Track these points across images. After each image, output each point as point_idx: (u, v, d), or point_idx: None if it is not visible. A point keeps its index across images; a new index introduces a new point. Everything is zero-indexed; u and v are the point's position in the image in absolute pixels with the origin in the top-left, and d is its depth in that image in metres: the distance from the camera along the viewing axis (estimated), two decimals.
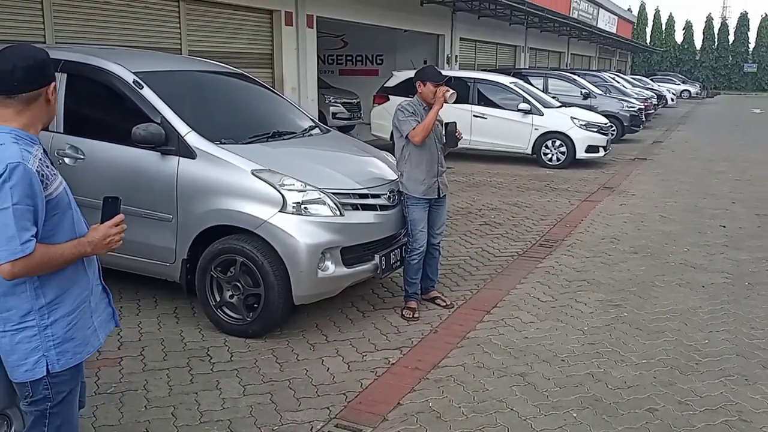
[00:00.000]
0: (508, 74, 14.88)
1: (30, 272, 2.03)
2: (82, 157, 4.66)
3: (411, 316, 4.81)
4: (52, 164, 2.16)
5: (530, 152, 12.56)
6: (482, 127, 12.49)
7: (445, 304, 5.06)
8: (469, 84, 12.90)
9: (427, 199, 4.79)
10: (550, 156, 12.49)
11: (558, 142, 12.43)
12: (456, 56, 19.94)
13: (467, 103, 12.57)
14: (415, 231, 4.79)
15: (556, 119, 12.50)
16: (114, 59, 4.88)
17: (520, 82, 13.57)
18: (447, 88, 4.74)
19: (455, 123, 4.99)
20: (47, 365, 2.13)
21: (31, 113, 2.11)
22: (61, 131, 4.72)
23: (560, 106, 13.22)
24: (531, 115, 12.36)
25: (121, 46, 8.12)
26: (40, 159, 2.08)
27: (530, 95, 12.77)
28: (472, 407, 3.60)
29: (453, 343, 4.42)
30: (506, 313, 4.97)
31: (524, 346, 4.39)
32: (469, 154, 13.41)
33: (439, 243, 5.05)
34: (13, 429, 2.33)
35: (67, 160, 4.65)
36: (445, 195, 4.94)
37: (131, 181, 4.50)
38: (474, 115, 12.50)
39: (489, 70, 17.50)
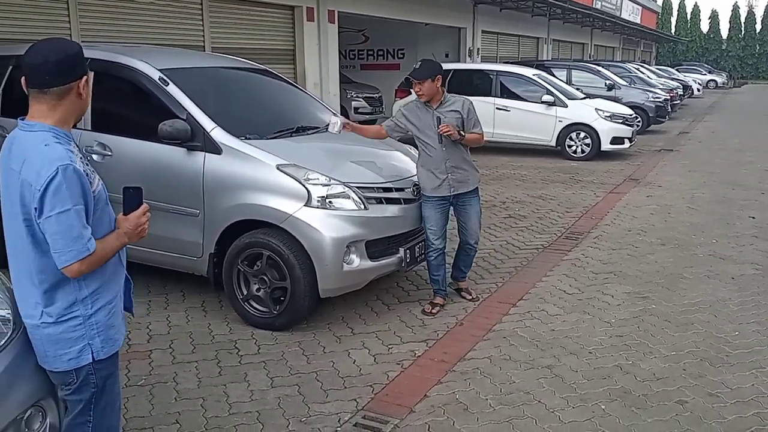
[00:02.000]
0: (531, 66, 14.76)
1: (92, 268, 2.09)
2: (109, 153, 4.72)
3: (429, 311, 4.79)
4: (87, 161, 2.19)
5: (554, 144, 12.46)
6: (505, 119, 12.41)
7: (470, 297, 5.04)
8: (491, 77, 12.85)
9: (439, 197, 4.70)
10: (574, 148, 12.38)
11: (582, 134, 12.31)
12: (478, 49, 19.83)
13: (490, 95, 12.53)
14: (426, 229, 4.75)
15: (580, 111, 12.38)
16: (140, 57, 4.94)
17: (543, 74, 13.45)
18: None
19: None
20: (92, 353, 2.19)
21: (64, 108, 2.11)
22: (89, 128, 4.78)
23: (584, 98, 13.08)
24: (555, 107, 12.25)
25: (146, 43, 8.20)
26: (81, 157, 2.11)
27: (554, 87, 12.65)
28: (500, 399, 3.59)
29: (479, 335, 4.42)
30: (532, 306, 4.94)
31: (551, 339, 4.37)
32: (493, 146, 13.34)
33: (474, 243, 4.96)
34: (47, 420, 2.35)
35: (95, 156, 4.71)
36: (468, 194, 4.79)
37: (158, 176, 4.55)
38: (497, 108, 12.43)
39: (511, 63, 17.38)
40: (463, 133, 4.63)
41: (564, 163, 11.96)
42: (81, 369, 2.20)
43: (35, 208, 2.01)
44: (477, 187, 4.89)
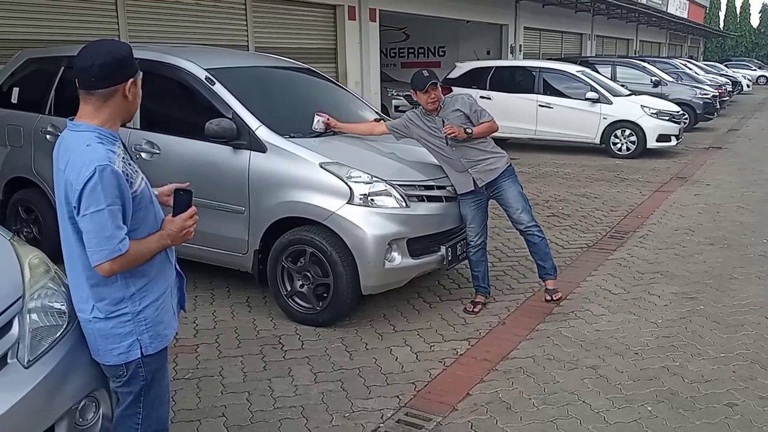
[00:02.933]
0: (575, 63, 14.58)
1: (125, 268, 2.12)
2: (157, 151, 4.83)
3: (471, 310, 4.76)
4: (132, 160, 2.24)
5: (598, 142, 12.27)
6: (548, 116, 12.28)
7: (549, 298, 4.87)
8: (534, 73, 12.72)
9: (470, 192, 4.67)
10: (619, 146, 12.18)
11: (628, 132, 12.10)
12: (520, 46, 19.64)
13: (532, 92, 12.41)
14: (466, 226, 4.74)
15: (625, 108, 12.16)
16: (187, 56, 5.04)
17: (587, 70, 13.28)
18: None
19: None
20: (141, 348, 2.23)
21: (110, 109, 2.14)
22: (138, 127, 4.90)
23: (630, 95, 12.86)
24: (599, 104, 12.06)
25: (192, 43, 8.36)
26: (123, 158, 2.13)
27: (598, 84, 12.47)
28: (543, 399, 3.56)
29: (522, 335, 4.39)
30: (576, 306, 4.89)
31: (596, 339, 4.32)
32: (535, 144, 13.23)
33: (528, 229, 4.77)
34: (101, 411, 2.43)
35: (143, 155, 4.82)
36: (499, 179, 4.67)
37: (205, 174, 4.64)
38: (539, 105, 12.30)
39: (554, 59, 17.17)
40: (469, 130, 4.56)
41: (608, 161, 11.77)
42: (130, 363, 2.24)
43: (75, 207, 2.06)
44: (508, 170, 4.74)
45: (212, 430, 3.26)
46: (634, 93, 13.11)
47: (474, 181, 4.64)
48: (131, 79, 2.16)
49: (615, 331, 4.43)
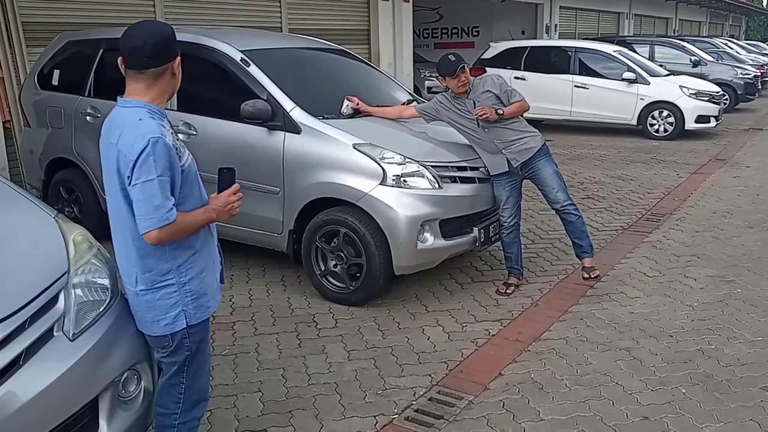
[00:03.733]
0: (612, 42, 14.30)
1: (172, 238, 2.18)
2: (194, 133, 4.90)
3: (503, 291, 4.76)
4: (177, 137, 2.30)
5: (635, 123, 12.06)
6: (584, 97, 12.10)
7: (587, 276, 4.83)
8: (570, 53, 12.53)
9: (503, 173, 4.63)
10: (656, 127, 11.96)
11: (665, 113, 11.87)
12: (555, 25, 19.32)
13: (568, 73, 12.23)
14: (499, 207, 4.73)
15: (663, 88, 11.92)
16: (222, 38, 5.09)
17: (625, 50, 13.02)
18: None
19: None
20: (186, 318, 2.31)
21: (159, 87, 2.22)
22: (175, 108, 4.97)
23: (668, 75, 12.59)
24: (636, 85, 11.85)
25: (227, 25, 8.41)
26: (172, 132, 2.22)
27: (635, 63, 12.24)
28: (576, 380, 3.57)
29: (554, 316, 4.38)
30: (610, 288, 4.86)
31: (630, 321, 4.29)
32: (570, 125, 13.06)
33: (565, 208, 4.70)
34: (142, 383, 2.50)
35: (180, 136, 4.86)
36: (533, 158, 4.61)
37: (240, 155, 4.69)
38: (575, 86, 12.13)
39: (590, 39, 16.86)
40: (500, 111, 4.51)
41: (645, 143, 11.57)
42: (176, 333, 2.33)
43: (127, 177, 2.12)
44: (542, 149, 4.68)
45: (249, 404, 3.34)
46: (672, 73, 12.83)
47: (508, 161, 4.61)
48: (178, 58, 2.25)
49: (650, 314, 4.39)
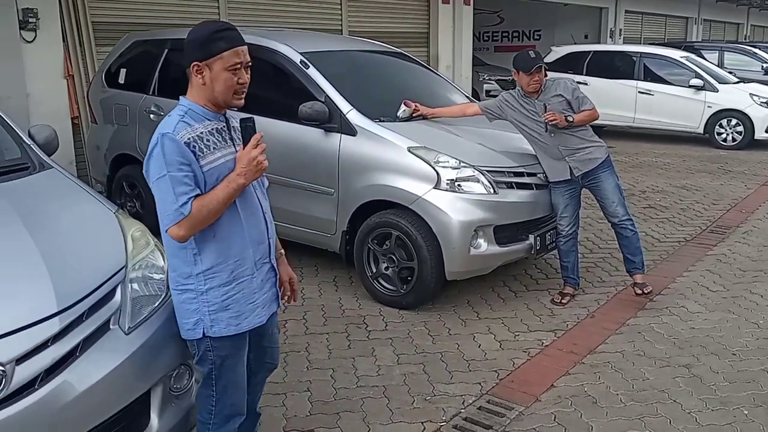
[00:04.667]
0: (679, 48, 13.87)
1: (195, 228, 2.11)
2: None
3: (559, 301, 4.65)
4: (232, 141, 2.22)
5: (702, 131, 11.66)
6: (648, 104, 11.78)
7: (640, 292, 4.70)
8: (634, 59, 12.21)
9: (563, 181, 4.52)
10: (724, 136, 11.53)
11: (734, 121, 11.42)
12: (620, 30, 18.85)
13: (632, 78, 11.92)
14: (557, 215, 4.61)
15: (732, 96, 11.49)
16: (283, 40, 5.15)
17: (692, 56, 12.59)
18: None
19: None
20: (203, 328, 2.23)
21: (195, 89, 2.18)
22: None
23: (737, 82, 12.13)
24: (704, 92, 11.45)
25: (288, 27, 8.52)
26: (201, 134, 2.13)
27: (703, 70, 11.82)
28: (631, 395, 3.45)
29: (611, 329, 4.25)
30: (671, 302, 4.69)
31: (690, 337, 4.13)
32: (633, 132, 12.73)
33: (622, 222, 4.59)
34: (193, 378, 2.54)
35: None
36: (596, 170, 4.50)
37: (297, 156, 4.74)
38: (639, 92, 11.82)
39: (657, 44, 16.39)
40: (570, 118, 4.39)
41: (712, 152, 11.17)
42: (200, 342, 2.26)
43: (146, 173, 2.15)
44: (606, 161, 4.56)
45: (297, 403, 3.35)
46: (742, 80, 12.35)
47: (570, 169, 4.50)
48: (197, 64, 2.13)
49: (711, 330, 4.22)
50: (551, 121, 4.36)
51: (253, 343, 2.45)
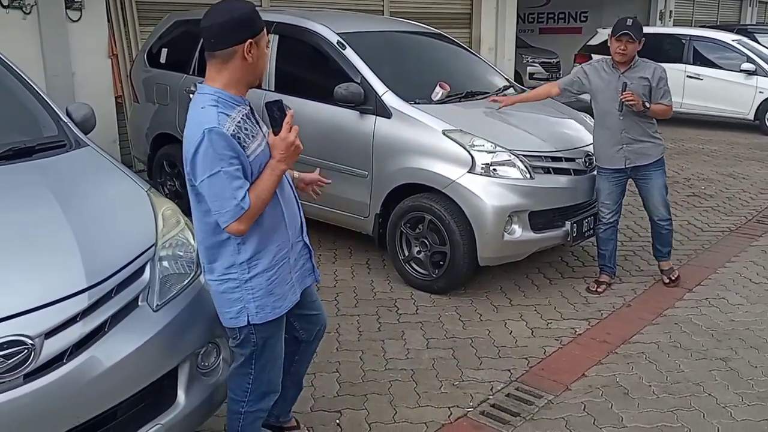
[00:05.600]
0: (731, 31, 13.40)
1: (252, 220, 2.11)
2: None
3: (594, 290, 4.56)
4: (258, 124, 2.20)
5: (752, 118, 11.27)
6: (696, 88, 11.42)
7: (668, 280, 4.64)
8: (683, 41, 11.85)
9: (613, 169, 4.41)
10: None
11: None
12: (670, 12, 18.30)
13: (681, 62, 11.57)
14: (599, 201, 4.51)
15: None
16: (320, 21, 5.14)
17: (745, 39, 12.15)
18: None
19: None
20: (248, 317, 2.24)
21: (230, 72, 2.11)
22: (272, 89, 5.07)
23: None
24: (756, 77, 11.05)
25: (329, 8, 8.48)
26: (239, 122, 2.09)
27: (756, 54, 11.39)
28: (665, 387, 3.38)
29: (647, 319, 4.17)
30: (711, 293, 4.56)
31: (729, 330, 4.02)
32: (680, 118, 12.35)
33: (660, 221, 4.52)
34: (221, 356, 2.56)
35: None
36: (648, 167, 4.41)
37: (332, 138, 4.73)
38: (688, 76, 11.47)
39: (708, 27, 15.85)
40: (648, 104, 4.27)
41: (762, 139, 10.79)
42: (242, 328, 2.28)
43: (189, 171, 2.10)
44: (660, 160, 4.46)
45: (326, 384, 3.38)
46: None
47: (624, 158, 4.39)
48: (250, 40, 2.08)
49: (752, 323, 4.10)
50: (629, 101, 4.22)
51: (296, 316, 2.50)
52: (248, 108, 2.21)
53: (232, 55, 2.10)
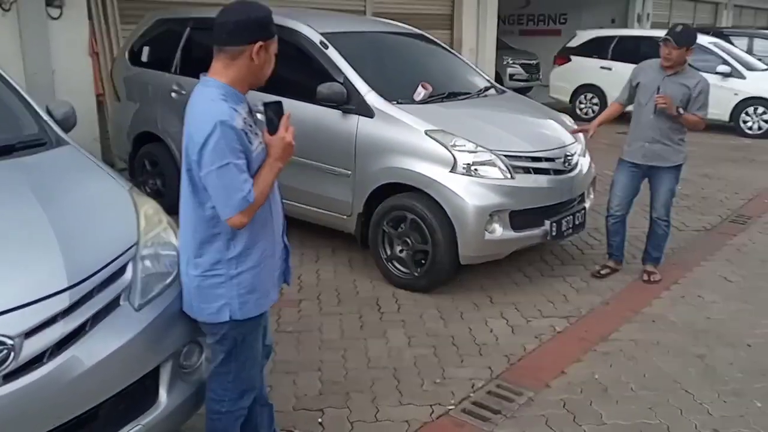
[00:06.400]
0: (707, 33, 13.58)
1: (254, 213, 2.13)
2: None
3: (597, 272, 4.79)
4: (255, 123, 2.23)
5: (727, 119, 11.44)
6: None
7: (647, 279, 4.76)
8: (661, 44, 11.96)
9: (631, 162, 4.58)
10: (750, 124, 11.33)
11: (761, 109, 11.21)
12: (648, 14, 18.53)
13: None
14: (612, 192, 4.69)
15: (760, 84, 11.26)
16: (303, 20, 5.13)
17: (720, 41, 12.34)
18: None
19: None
20: (230, 313, 2.23)
21: (236, 69, 2.14)
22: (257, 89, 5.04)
23: (766, 69, 11.86)
24: (731, 79, 11.22)
25: (313, 7, 8.47)
26: (245, 119, 2.14)
27: (731, 56, 11.58)
28: (642, 384, 3.43)
29: (625, 317, 4.23)
30: (687, 291, 4.64)
31: (705, 327, 4.09)
32: None
33: (659, 219, 4.66)
34: (203, 355, 2.55)
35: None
36: (663, 169, 4.56)
37: (315, 137, 4.72)
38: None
39: None
40: (681, 111, 4.38)
41: (737, 141, 10.98)
42: (222, 324, 2.26)
43: (195, 161, 2.09)
44: (677, 167, 4.61)
45: (308, 382, 3.39)
46: None
47: (642, 155, 4.54)
48: (261, 43, 2.12)
49: (728, 321, 4.18)
50: (661, 104, 4.35)
51: None
52: (248, 107, 2.24)
53: (240, 54, 2.13)
